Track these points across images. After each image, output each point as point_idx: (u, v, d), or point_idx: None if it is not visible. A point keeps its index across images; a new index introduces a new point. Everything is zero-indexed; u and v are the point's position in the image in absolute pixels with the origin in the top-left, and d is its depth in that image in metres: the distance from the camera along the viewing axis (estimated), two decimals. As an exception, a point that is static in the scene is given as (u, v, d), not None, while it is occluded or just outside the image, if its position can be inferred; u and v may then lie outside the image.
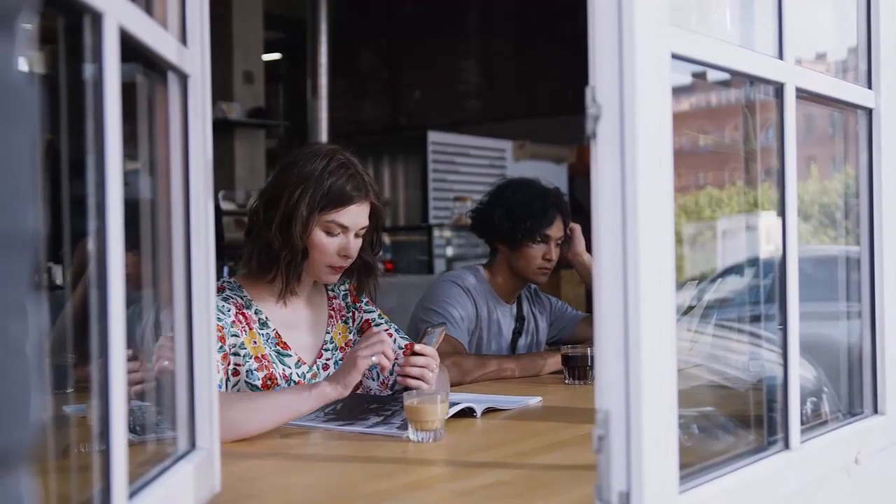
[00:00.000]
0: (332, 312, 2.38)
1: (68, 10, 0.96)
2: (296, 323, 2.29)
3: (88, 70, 1.00)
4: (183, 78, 1.33)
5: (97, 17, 0.98)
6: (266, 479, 1.66)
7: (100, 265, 0.99)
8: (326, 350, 2.33)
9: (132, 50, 1.10)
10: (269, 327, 2.22)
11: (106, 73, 0.99)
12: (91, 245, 1.00)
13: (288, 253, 2.17)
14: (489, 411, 2.19)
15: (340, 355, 2.34)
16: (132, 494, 1.08)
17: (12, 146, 0.53)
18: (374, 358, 1.98)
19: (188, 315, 1.36)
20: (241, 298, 2.22)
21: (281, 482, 1.66)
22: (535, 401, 2.35)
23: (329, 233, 2.19)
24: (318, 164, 2.18)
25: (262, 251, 2.20)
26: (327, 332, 2.35)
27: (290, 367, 2.22)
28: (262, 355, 2.18)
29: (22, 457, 0.58)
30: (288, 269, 2.20)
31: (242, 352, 2.15)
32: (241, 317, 2.18)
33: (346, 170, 2.20)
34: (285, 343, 2.24)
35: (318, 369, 2.28)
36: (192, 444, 1.36)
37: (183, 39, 1.33)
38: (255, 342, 2.18)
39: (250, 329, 2.19)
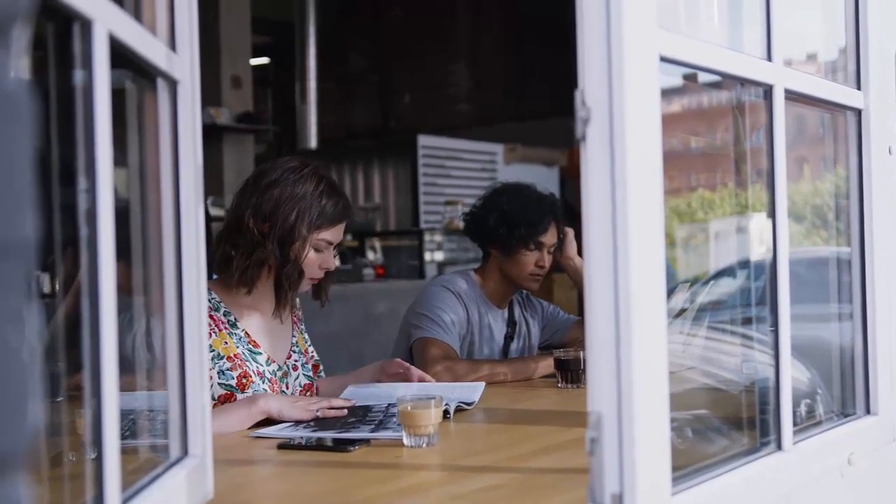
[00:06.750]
0: (296, 320, 2.49)
1: (57, 17, 0.96)
2: (265, 326, 2.37)
3: (78, 76, 0.99)
4: (172, 84, 1.33)
5: (87, 24, 0.98)
6: (258, 485, 1.66)
7: (91, 273, 0.99)
8: (294, 352, 2.43)
9: (121, 56, 1.09)
10: (238, 328, 2.29)
11: (96, 79, 0.99)
12: (82, 253, 0.99)
13: (290, 269, 2.27)
14: (460, 410, 2.22)
15: (304, 359, 2.46)
16: (124, 501, 1.08)
17: (10, 153, 0.52)
18: (319, 413, 2.12)
19: (179, 322, 1.36)
20: (210, 301, 2.26)
21: (273, 489, 1.65)
22: (479, 386, 2.40)
23: (317, 250, 2.31)
24: (307, 184, 2.27)
25: (255, 266, 2.26)
26: (293, 336, 2.45)
27: (262, 365, 2.30)
28: (235, 355, 2.25)
29: (20, 462, 0.58)
30: (289, 286, 2.30)
31: (211, 353, 2.20)
32: (209, 319, 2.22)
33: (335, 189, 2.32)
34: (255, 342, 2.32)
35: (288, 368, 2.39)
36: (185, 451, 1.36)
37: (172, 45, 1.33)
38: (225, 343, 2.25)
39: (220, 331, 2.25)
